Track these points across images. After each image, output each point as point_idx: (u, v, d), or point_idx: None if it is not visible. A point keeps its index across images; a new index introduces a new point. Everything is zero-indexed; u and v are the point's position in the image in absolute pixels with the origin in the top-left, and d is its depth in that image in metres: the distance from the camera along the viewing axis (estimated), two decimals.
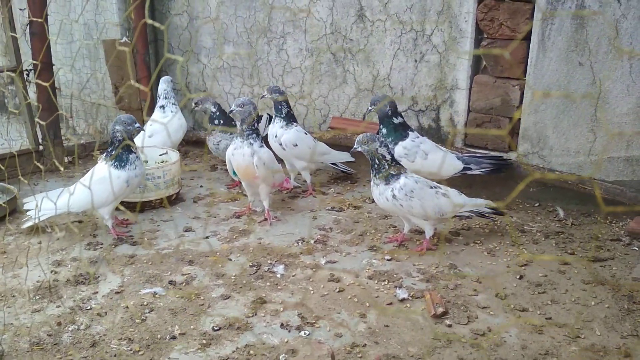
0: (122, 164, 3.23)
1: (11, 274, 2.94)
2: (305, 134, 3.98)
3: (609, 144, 3.48)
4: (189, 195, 4.05)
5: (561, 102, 3.56)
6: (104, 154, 3.52)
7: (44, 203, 3.05)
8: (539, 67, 3.59)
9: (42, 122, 3.99)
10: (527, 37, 3.61)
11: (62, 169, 4.27)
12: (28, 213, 3.35)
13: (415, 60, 4.07)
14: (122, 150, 3.24)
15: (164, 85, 4.31)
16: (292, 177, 4.15)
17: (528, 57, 3.63)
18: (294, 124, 3.93)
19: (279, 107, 3.89)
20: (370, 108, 3.57)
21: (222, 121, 4.17)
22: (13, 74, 4.22)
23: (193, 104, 3.94)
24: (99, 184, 3.14)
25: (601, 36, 3.35)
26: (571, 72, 3.48)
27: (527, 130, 3.73)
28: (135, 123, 3.24)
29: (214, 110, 4.20)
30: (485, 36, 3.81)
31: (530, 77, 3.64)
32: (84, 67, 5.22)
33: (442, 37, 3.92)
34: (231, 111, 3.44)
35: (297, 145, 3.88)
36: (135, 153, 3.29)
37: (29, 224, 3.30)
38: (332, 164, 4.16)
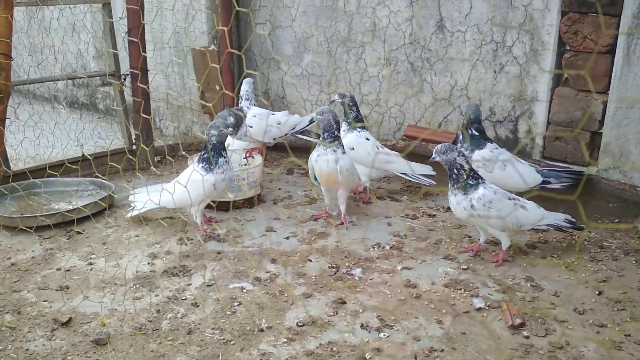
0: (211, 168, 3.46)
1: (112, 264, 3.22)
2: (367, 139, 4.02)
3: None
4: (269, 197, 4.25)
5: None
6: (195, 156, 3.78)
7: (145, 196, 3.35)
8: (623, 81, 3.55)
9: (146, 116, 4.27)
10: (612, 51, 3.58)
11: (153, 168, 4.58)
12: (132, 204, 3.66)
13: (495, 71, 4.11)
14: (213, 154, 3.46)
15: (245, 86, 4.51)
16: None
17: (612, 71, 3.59)
18: (358, 129, 4.00)
19: (346, 111, 3.99)
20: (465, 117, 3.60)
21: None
22: (112, 79, 4.57)
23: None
24: (190, 184, 3.38)
25: None
26: None
27: (609, 144, 3.69)
28: (229, 127, 3.46)
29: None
30: (568, 48, 3.80)
31: (613, 91, 3.60)
32: (173, 73, 5.55)
33: (523, 49, 3.94)
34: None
35: (353, 149, 3.96)
36: (224, 157, 3.51)
37: (133, 213, 3.62)
38: (402, 173, 4.20)
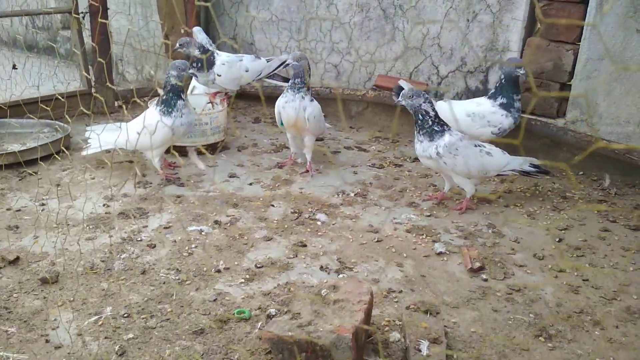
0: (169, 110, 3.31)
1: (66, 205, 3.09)
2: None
3: None
4: (234, 144, 4.14)
5: (614, 70, 3.47)
6: (155, 99, 3.63)
7: (103, 136, 3.21)
8: (595, 32, 3.50)
9: (102, 61, 4.08)
10: (585, 0, 3.52)
11: (107, 111, 4.40)
12: (89, 142, 3.49)
13: (468, 20, 4.01)
14: (171, 97, 3.31)
15: (200, 35, 4.31)
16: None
17: (584, 21, 3.53)
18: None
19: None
20: (523, 72, 3.41)
21: (200, 64, 3.85)
22: (69, 17, 4.33)
23: (178, 45, 3.82)
24: (148, 127, 3.25)
25: None
26: (627, 38, 3.39)
27: (577, 97, 3.66)
28: (189, 69, 3.31)
29: (197, 54, 3.81)
30: None
31: (585, 42, 3.55)
32: (136, 14, 5.31)
33: None
34: (287, 64, 3.48)
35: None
36: (184, 100, 3.36)
37: (89, 152, 3.46)
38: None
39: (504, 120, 3.45)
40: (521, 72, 3.39)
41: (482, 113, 3.48)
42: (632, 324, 2.28)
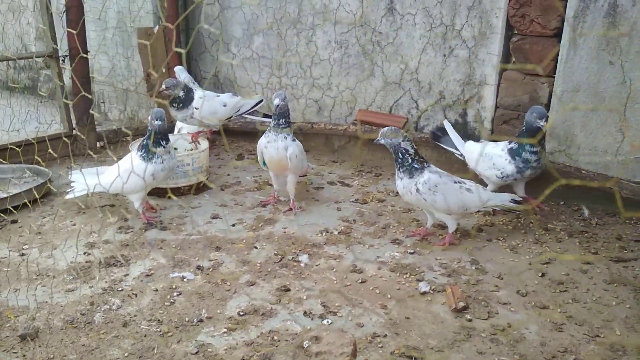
0: (149, 157, 3.31)
1: (46, 254, 3.06)
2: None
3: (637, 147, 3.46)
4: (217, 183, 4.14)
5: (590, 101, 3.54)
6: (137, 141, 3.63)
7: (88, 179, 3.23)
8: (569, 65, 3.57)
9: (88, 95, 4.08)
10: (558, 34, 3.59)
11: (93, 155, 4.39)
12: (72, 185, 3.43)
13: (444, 55, 4.08)
14: (152, 143, 3.31)
15: (182, 74, 4.35)
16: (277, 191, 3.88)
17: (558, 55, 3.60)
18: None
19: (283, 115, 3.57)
20: (543, 124, 3.27)
21: (182, 104, 3.94)
22: (49, 59, 4.34)
23: (164, 86, 3.87)
24: (128, 172, 3.25)
25: (633, 35, 3.31)
26: (601, 70, 3.46)
27: (555, 128, 3.71)
28: (160, 120, 3.28)
29: (181, 95, 3.91)
30: (516, 32, 3.80)
31: (560, 75, 3.62)
32: (117, 55, 5.34)
33: (472, 32, 3.92)
34: (277, 106, 3.49)
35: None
36: (165, 147, 3.35)
37: (73, 195, 3.37)
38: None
39: (507, 165, 3.36)
40: (541, 123, 3.25)
41: (491, 154, 3.44)
42: None
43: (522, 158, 3.34)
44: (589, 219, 3.51)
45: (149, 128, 3.32)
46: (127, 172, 3.22)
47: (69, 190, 3.46)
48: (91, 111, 4.45)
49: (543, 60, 3.69)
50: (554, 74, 3.66)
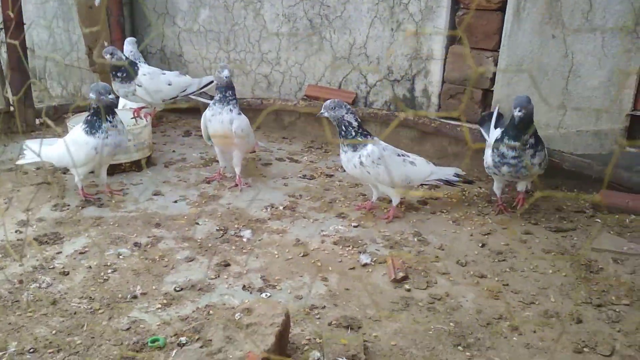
0: (93, 131, 3.19)
1: None
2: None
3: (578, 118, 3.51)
4: (161, 159, 4.03)
5: (534, 75, 3.57)
6: (74, 117, 3.49)
7: (39, 148, 3.22)
8: (513, 38, 3.58)
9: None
10: (502, 8, 3.60)
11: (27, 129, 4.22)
12: (24, 152, 3.35)
13: (392, 29, 4.05)
14: (95, 118, 3.19)
15: (129, 46, 4.22)
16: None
17: (502, 29, 3.62)
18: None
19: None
20: (519, 114, 2.90)
21: (126, 73, 3.85)
22: None
23: (106, 54, 3.77)
24: (72, 145, 3.13)
25: (575, 9, 3.34)
26: (544, 44, 3.49)
27: (500, 102, 3.74)
28: (109, 94, 3.19)
29: (125, 61, 3.83)
30: (461, 6, 3.79)
31: (504, 49, 3.64)
32: (58, 28, 5.12)
33: (419, 6, 3.89)
34: (227, 77, 3.38)
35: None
36: (111, 122, 3.23)
37: (23, 162, 3.36)
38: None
39: (489, 156, 3.12)
40: (516, 112, 2.91)
41: (488, 143, 3.27)
42: (549, 328, 2.32)
43: (498, 151, 3.04)
44: (531, 191, 3.56)
45: (93, 104, 3.19)
46: (70, 144, 3.11)
47: (20, 155, 3.38)
48: (6, 92, 4.26)
49: (488, 34, 3.69)
50: (499, 48, 3.68)
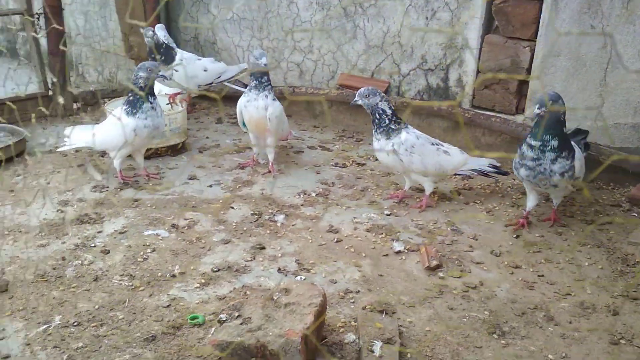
0: (134, 112, 3.24)
1: (19, 211, 3.01)
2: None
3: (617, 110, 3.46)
4: (195, 145, 4.09)
5: (571, 66, 3.52)
6: (112, 102, 3.56)
7: (81, 133, 3.34)
8: (551, 28, 3.54)
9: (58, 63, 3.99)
10: None
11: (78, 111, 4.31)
12: (66, 139, 3.42)
13: (427, 18, 4.03)
14: (137, 98, 3.23)
15: (161, 32, 4.26)
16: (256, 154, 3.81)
17: (540, 18, 3.57)
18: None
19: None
20: (538, 112, 2.67)
21: (165, 56, 3.91)
22: (24, 17, 4.22)
23: (148, 36, 3.83)
24: (111, 127, 3.20)
25: None
26: (583, 34, 3.43)
27: (536, 93, 3.70)
28: (160, 71, 3.25)
29: (162, 42, 3.89)
30: None
31: (541, 39, 3.59)
32: (94, 14, 5.21)
33: None
34: (265, 64, 3.40)
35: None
36: (151, 103, 3.28)
37: (65, 148, 3.43)
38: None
39: (516, 156, 2.89)
40: (536, 111, 2.67)
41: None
42: (585, 319, 2.32)
43: (520, 151, 2.83)
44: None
45: (141, 83, 3.23)
46: (111, 126, 3.18)
47: (60, 142, 3.47)
48: (54, 74, 4.36)
49: (525, 23, 3.65)
50: (536, 37, 3.63)
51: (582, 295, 2.47)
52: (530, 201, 2.99)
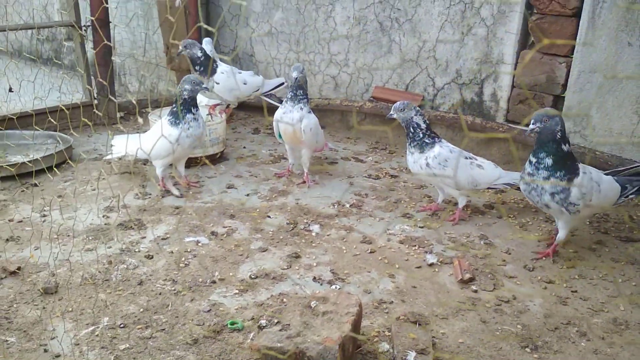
0: (177, 122, 3.37)
1: (67, 216, 3.16)
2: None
3: None
4: (233, 155, 4.21)
5: (607, 82, 3.53)
6: (155, 111, 3.70)
7: (122, 143, 3.48)
8: (587, 45, 3.55)
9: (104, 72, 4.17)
10: (577, 14, 3.57)
11: (119, 122, 4.49)
12: (112, 148, 3.56)
13: (462, 33, 4.08)
14: (181, 109, 3.36)
15: (209, 46, 4.41)
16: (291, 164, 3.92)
17: (577, 35, 3.59)
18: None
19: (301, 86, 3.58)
20: (533, 127, 2.63)
21: (203, 68, 3.96)
22: (72, 30, 4.42)
23: (181, 46, 3.96)
24: (153, 137, 3.34)
25: None
26: (620, 51, 3.44)
27: (571, 108, 3.71)
28: (203, 84, 3.38)
29: (199, 55, 3.94)
30: (535, 11, 3.78)
31: (577, 55, 3.61)
32: (138, 27, 5.41)
33: (491, 11, 3.91)
34: (295, 78, 3.51)
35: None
36: (194, 114, 3.41)
37: (111, 157, 3.55)
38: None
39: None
40: (530, 125, 2.63)
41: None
42: (618, 335, 2.32)
43: (524, 168, 2.78)
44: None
45: (185, 95, 3.36)
46: (154, 135, 3.32)
47: (108, 152, 3.61)
48: (104, 82, 4.54)
49: (562, 39, 3.67)
50: (572, 54, 3.65)
51: (616, 311, 2.48)
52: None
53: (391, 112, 3.11)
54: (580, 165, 2.71)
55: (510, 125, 3.98)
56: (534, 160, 2.69)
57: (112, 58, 4.29)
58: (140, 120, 4.56)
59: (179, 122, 3.35)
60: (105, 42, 3.92)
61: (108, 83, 4.50)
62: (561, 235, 2.84)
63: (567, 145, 2.65)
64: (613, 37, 3.44)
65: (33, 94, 4.46)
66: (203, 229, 3.08)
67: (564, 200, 2.66)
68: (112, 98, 4.61)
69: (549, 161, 2.64)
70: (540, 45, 3.76)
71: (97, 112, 4.44)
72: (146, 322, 2.32)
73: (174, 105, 3.42)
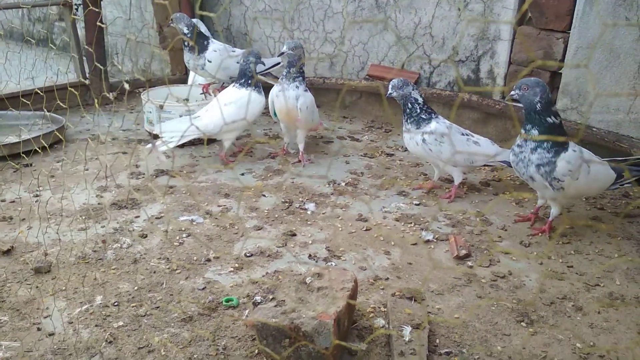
0: (260, 90, 3.55)
1: (59, 196, 3.13)
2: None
3: None
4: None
5: (604, 58, 3.49)
6: (146, 92, 3.65)
7: (172, 127, 3.39)
8: (585, 20, 3.50)
9: (93, 51, 4.11)
10: None
11: (112, 99, 4.43)
12: (163, 138, 3.31)
13: (459, 9, 4.02)
14: (249, 82, 3.50)
15: (201, 26, 4.34)
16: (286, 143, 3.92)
17: (574, 10, 3.54)
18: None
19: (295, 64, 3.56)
20: (513, 92, 2.66)
21: (189, 45, 3.88)
22: (63, 9, 4.35)
23: (170, 20, 3.95)
24: (236, 104, 3.44)
25: None
26: (617, 27, 3.40)
27: (568, 85, 3.68)
28: (262, 59, 3.61)
29: (186, 31, 3.87)
30: None
31: (575, 31, 3.56)
32: (130, 6, 5.32)
33: None
34: (282, 53, 3.48)
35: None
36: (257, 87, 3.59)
37: (164, 148, 3.31)
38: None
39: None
40: (512, 92, 2.66)
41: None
42: (613, 309, 2.32)
43: (515, 141, 2.77)
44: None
45: (249, 66, 3.48)
46: (241, 105, 3.46)
47: (160, 144, 3.32)
48: (97, 63, 4.48)
49: (559, 14, 3.62)
50: (569, 29, 3.61)
51: (611, 286, 2.47)
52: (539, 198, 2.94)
53: (390, 91, 3.07)
54: (572, 143, 2.68)
55: (507, 102, 3.94)
56: (522, 132, 2.67)
57: (99, 24, 4.20)
58: (135, 99, 4.50)
59: (261, 89, 3.55)
60: (94, 10, 3.86)
61: (99, 62, 4.44)
62: (555, 211, 2.82)
63: (552, 117, 2.61)
64: (611, 12, 3.39)
65: (24, 74, 4.41)
66: (197, 208, 3.06)
67: (549, 173, 2.61)
68: (106, 78, 4.55)
69: (535, 132, 2.61)
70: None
71: (93, 94, 4.38)
72: (140, 300, 2.30)
73: (242, 79, 3.53)
